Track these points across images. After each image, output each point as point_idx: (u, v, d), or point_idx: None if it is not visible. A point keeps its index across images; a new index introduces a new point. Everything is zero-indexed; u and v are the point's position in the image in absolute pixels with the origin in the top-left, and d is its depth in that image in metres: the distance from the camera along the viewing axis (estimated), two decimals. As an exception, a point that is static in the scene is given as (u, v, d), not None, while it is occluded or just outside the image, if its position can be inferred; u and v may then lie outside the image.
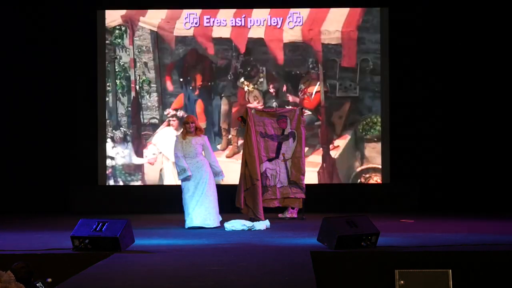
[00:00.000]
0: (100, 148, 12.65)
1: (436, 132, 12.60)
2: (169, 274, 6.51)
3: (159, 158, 12.70)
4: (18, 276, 5.33)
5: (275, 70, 12.71)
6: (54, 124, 12.66)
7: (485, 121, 12.54)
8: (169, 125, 12.72)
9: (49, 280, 5.87)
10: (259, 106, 12.52)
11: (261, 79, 12.72)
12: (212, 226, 10.08)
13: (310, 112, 12.54)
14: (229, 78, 12.70)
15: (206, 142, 10.31)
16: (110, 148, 12.71)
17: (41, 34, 12.61)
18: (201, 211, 10.07)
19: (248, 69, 12.69)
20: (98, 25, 12.69)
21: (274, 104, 12.58)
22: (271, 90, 12.70)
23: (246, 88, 12.66)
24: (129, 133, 12.74)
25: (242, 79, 12.71)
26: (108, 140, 12.69)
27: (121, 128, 12.74)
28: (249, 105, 12.42)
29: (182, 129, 10.45)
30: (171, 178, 12.54)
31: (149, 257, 7.49)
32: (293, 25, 12.64)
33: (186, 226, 10.09)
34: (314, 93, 12.71)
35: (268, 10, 12.67)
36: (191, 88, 12.75)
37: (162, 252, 7.85)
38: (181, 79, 12.75)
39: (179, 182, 10.34)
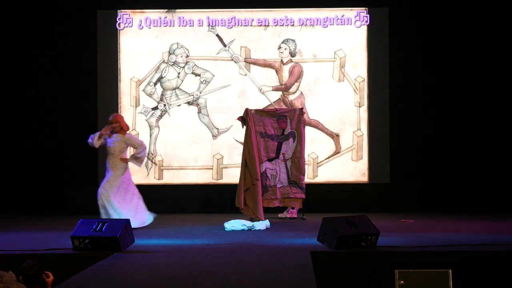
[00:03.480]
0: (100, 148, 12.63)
1: (436, 132, 12.59)
2: (169, 274, 6.51)
3: (158, 158, 12.69)
4: (29, 274, 5.38)
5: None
6: (54, 124, 12.65)
7: (485, 122, 12.53)
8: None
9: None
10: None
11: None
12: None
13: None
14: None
15: (131, 137, 10.16)
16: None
17: (41, 34, 12.61)
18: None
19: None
20: (98, 25, 12.67)
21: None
22: None
23: None
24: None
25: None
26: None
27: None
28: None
29: (107, 127, 10.09)
30: (170, 178, 12.55)
31: (149, 257, 7.49)
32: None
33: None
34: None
35: (268, 10, 12.69)
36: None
37: (162, 252, 7.85)
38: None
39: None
